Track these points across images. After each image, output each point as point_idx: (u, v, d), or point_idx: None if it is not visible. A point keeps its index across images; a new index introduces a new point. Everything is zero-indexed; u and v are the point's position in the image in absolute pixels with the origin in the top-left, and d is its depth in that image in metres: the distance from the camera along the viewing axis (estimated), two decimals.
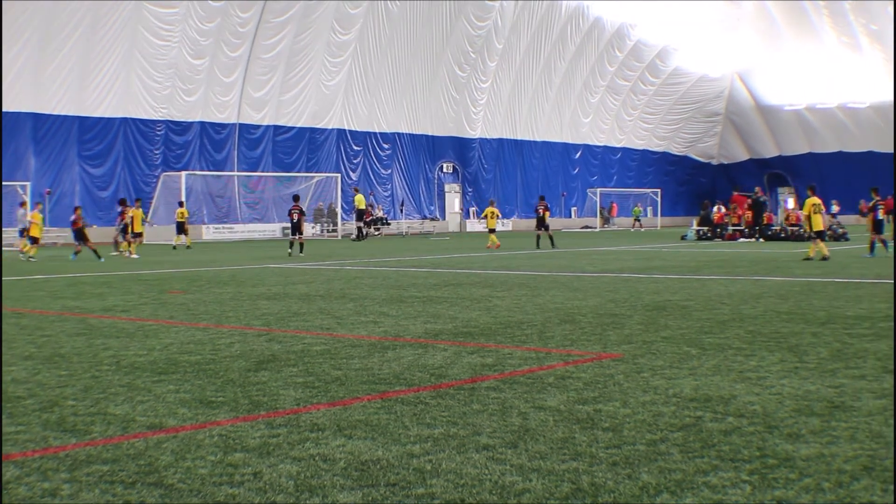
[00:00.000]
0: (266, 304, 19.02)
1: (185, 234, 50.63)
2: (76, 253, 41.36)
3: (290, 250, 41.64)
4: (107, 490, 6.32)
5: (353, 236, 62.23)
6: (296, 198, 45.92)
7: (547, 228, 47.00)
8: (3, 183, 58.11)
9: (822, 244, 33.40)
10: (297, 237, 42.39)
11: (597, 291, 21.03)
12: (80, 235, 41.79)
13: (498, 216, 50.96)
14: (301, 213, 43.24)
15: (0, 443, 7.41)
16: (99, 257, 38.81)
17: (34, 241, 40.89)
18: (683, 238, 56.66)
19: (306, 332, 14.43)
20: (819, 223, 34.10)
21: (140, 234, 45.88)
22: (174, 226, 52.27)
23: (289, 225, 44.97)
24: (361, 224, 63.07)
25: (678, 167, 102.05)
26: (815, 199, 34.69)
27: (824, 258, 32.37)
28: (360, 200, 64.30)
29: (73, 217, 43.40)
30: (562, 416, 8.42)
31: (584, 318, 15.75)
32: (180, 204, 53.91)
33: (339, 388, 9.86)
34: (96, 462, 7.05)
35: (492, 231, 48.71)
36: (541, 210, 47.48)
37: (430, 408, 8.79)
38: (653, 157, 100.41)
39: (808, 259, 32.57)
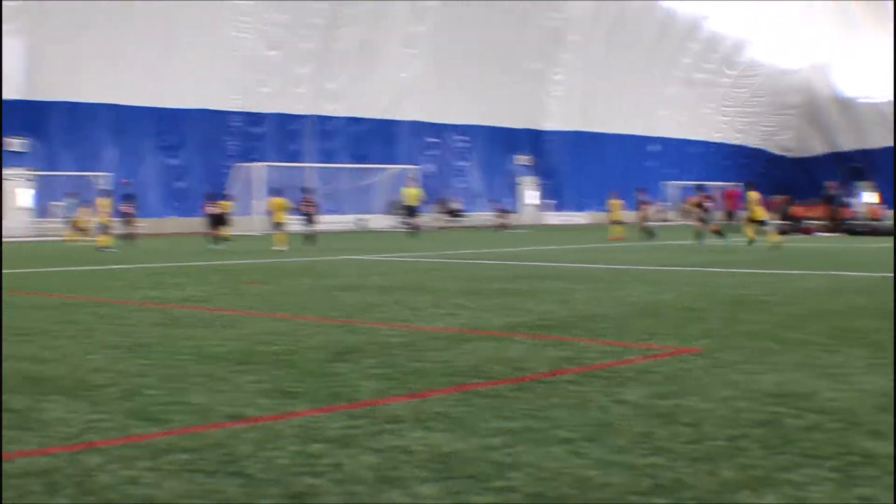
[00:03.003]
0: (343, 295, 19.07)
1: (226, 225, 50.96)
2: (217, 239, 42.02)
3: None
4: (188, 479, 6.36)
5: (408, 227, 56.02)
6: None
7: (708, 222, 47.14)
8: (83, 173, 58.87)
9: None
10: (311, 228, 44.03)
11: (675, 285, 20.91)
12: (219, 221, 42.74)
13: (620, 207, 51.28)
14: (313, 204, 44.52)
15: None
16: (217, 243, 39.65)
17: (104, 229, 41.20)
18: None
19: (384, 324, 14.44)
20: None
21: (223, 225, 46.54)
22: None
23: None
24: (411, 220, 56.03)
25: (754, 160, 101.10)
26: None
27: None
28: (410, 194, 57.88)
29: (207, 203, 44.40)
30: (641, 410, 8.37)
31: (662, 312, 15.66)
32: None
33: (418, 380, 9.86)
34: (177, 451, 7.09)
35: (617, 223, 49.21)
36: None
37: (509, 401, 8.77)
38: (729, 150, 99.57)
39: None
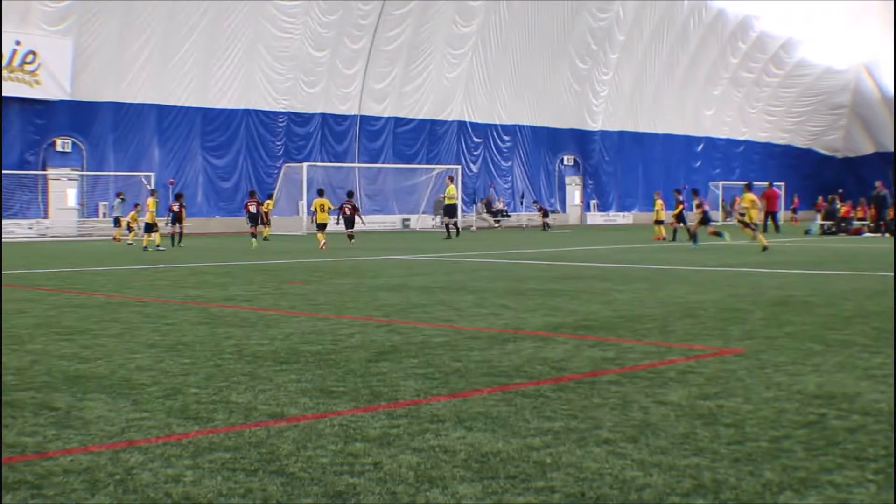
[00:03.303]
0: (386, 295, 19.09)
1: (267, 224, 51.18)
2: (254, 237, 42.47)
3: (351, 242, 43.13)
4: (229, 477, 6.38)
5: (448, 228, 52.93)
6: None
7: (684, 222, 46.94)
8: (129, 173, 59.21)
9: None
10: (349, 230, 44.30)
11: (718, 286, 20.82)
12: (256, 219, 43.10)
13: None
14: (354, 208, 44.40)
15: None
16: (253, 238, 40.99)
17: (150, 228, 41.46)
18: (807, 233, 55.93)
19: (426, 324, 14.45)
20: None
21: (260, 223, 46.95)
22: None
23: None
24: (451, 221, 52.54)
25: (802, 160, 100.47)
26: None
27: None
28: (450, 194, 53.65)
29: (249, 201, 44.75)
30: (683, 411, 8.34)
31: (705, 313, 15.60)
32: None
33: (459, 379, 9.86)
34: (219, 449, 7.12)
35: (659, 223, 49.22)
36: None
37: (551, 401, 8.76)
38: (776, 150, 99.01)
39: None
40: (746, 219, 37.30)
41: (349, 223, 43.93)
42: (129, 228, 46.98)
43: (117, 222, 52.64)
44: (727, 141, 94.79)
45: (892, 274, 23.26)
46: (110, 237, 52.66)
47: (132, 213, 47.34)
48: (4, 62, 56.08)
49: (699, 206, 42.91)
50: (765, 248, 34.13)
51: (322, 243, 39.71)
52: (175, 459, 6.84)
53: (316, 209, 42.61)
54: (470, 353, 11.51)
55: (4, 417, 8.26)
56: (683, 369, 10.38)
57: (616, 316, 15.36)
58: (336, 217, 45.56)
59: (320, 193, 43.97)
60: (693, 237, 40.05)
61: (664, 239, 46.44)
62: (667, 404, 8.60)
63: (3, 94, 56.36)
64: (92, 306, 17.46)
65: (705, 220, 41.65)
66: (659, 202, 50.71)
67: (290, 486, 6.18)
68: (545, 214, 68.62)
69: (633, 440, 7.33)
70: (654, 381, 9.65)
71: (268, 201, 52.11)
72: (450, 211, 52.84)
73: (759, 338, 12.73)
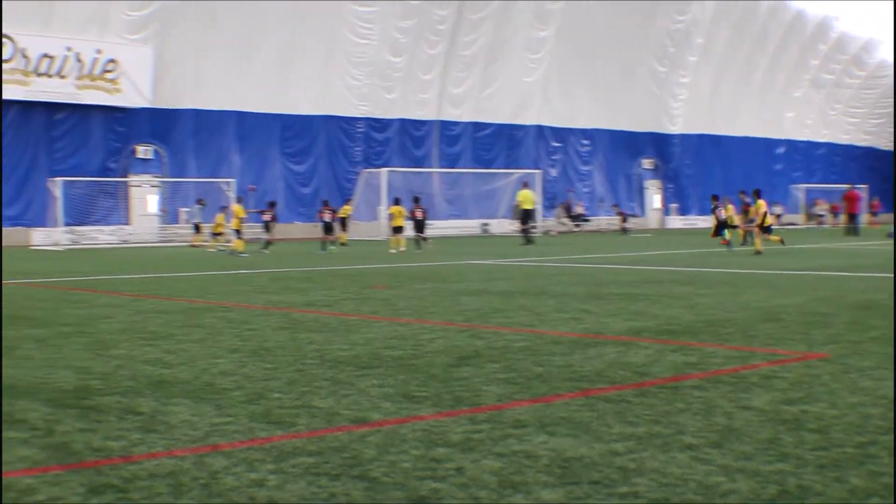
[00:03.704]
0: (467, 300, 19.09)
1: (345, 230, 51.45)
2: (324, 244, 42.83)
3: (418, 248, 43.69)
4: (312, 482, 6.40)
5: (524, 232, 51.32)
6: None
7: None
8: (210, 180, 59.73)
9: None
10: (421, 235, 45.08)
11: (800, 289, 20.63)
12: (330, 229, 43.57)
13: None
14: (424, 212, 45.48)
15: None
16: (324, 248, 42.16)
17: (237, 234, 41.93)
18: (889, 235, 55.24)
19: (507, 329, 14.44)
20: None
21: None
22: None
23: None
24: (526, 226, 51.07)
25: (884, 163, 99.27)
26: None
27: None
28: (525, 197, 53.05)
29: (323, 209, 45.14)
30: (767, 416, 8.27)
31: (788, 317, 15.45)
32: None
33: (541, 384, 9.84)
34: (302, 454, 7.15)
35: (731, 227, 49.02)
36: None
37: (633, 406, 8.72)
38: (858, 152, 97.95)
39: None
40: (760, 223, 38.28)
41: (419, 227, 44.52)
42: (215, 234, 47.10)
43: (197, 228, 53.05)
44: (808, 143, 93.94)
45: None
46: (189, 243, 53.06)
47: (219, 216, 47.53)
48: (85, 70, 56.88)
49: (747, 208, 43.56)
50: (758, 252, 35.48)
51: (398, 248, 40.43)
52: (258, 464, 6.88)
53: (393, 215, 43.54)
54: (552, 358, 11.48)
55: (90, 422, 8.35)
56: (767, 374, 10.29)
57: (698, 320, 15.26)
58: (413, 222, 45.91)
59: (396, 202, 44.96)
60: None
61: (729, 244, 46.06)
62: (750, 409, 8.53)
63: (85, 102, 57.27)
64: (175, 312, 17.60)
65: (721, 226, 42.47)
66: (729, 206, 50.30)
67: (373, 491, 6.20)
68: (624, 219, 68.36)
69: (716, 445, 7.28)
70: (738, 386, 9.58)
71: (345, 206, 52.27)
72: (526, 216, 52.08)
73: (843, 342, 12.60)
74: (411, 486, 6.29)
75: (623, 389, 9.52)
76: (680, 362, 11.16)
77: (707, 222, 78.99)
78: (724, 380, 9.98)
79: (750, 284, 22.19)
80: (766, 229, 37.91)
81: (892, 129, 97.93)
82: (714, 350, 12.13)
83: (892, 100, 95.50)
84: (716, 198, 44.86)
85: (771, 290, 20.48)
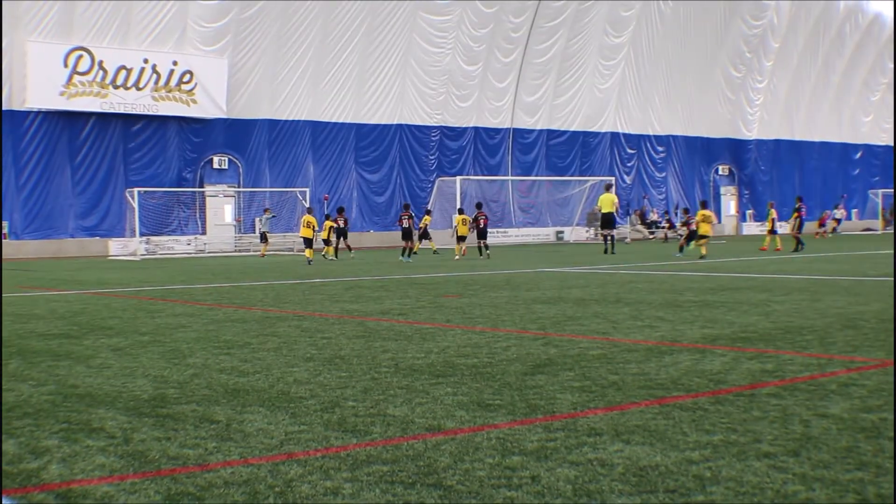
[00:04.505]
0: (541, 308, 19.04)
1: (429, 239, 51.64)
2: (405, 251, 43.27)
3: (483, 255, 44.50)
4: (387, 490, 6.40)
5: (605, 239, 47.90)
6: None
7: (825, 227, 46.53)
8: (285, 189, 60.13)
9: None
10: (482, 243, 45.66)
11: (880, 296, 20.38)
12: (409, 234, 44.01)
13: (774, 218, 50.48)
14: (486, 219, 46.44)
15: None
16: (406, 255, 43.17)
17: (326, 242, 43.88)
18: None
19: (582, 336, 14.38)
20: None
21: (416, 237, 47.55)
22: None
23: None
24: (607, 232, 47.05)
25: None
26: None
27: None
28: (605, 202, 48.13)
29: (403, 214, 45.71)
30: (845, 424, 8.17)
31: (867, 324, 15.27)
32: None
33: (616, 392, 9.78)
34: (376, 462, 7.14)
35: (772, 232, 48.78)
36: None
37: (709, 414, 8.64)
38: None
39: None
40: (701, 232, 41.94)
41: (482, 235, 44.80)
42: (326, 241, 46.96)
43: (264, 238, 53.23)
44: (885, 148, 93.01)
45: None
46: (258, 253, 53.36)
47: (328, 223, 47.64)
48: (162, 82, 57.49)
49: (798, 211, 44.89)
50: (702, 257, 38.94)
51: (460, 253, 43.51)
52: (334, 472, 6.88)
53: (458, 224, 44.10)
54: (626, 366, 11.42)
55: (167, 430, 8.40)
56: (845, 381, 10.17)
57: (775, 327, 15.12)
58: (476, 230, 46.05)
59: (460, 212, 45.80)
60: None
61: (778, 250, 45.79)
62: (828, 417, 8.43)
63: (162, 113, 57.90)
64: (250, 321, 17.67)
65: (691, 235, 45.28)
66: (773, 212, 50.05)
67: (448, 499, 6.18)
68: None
69: (794, 454, 7.20)
70: (815, 394, 9.48)
71: (426, 217, 52.41)
72: (606, 221, 47.81)
73: None
74: (486, 495, 6.27)
75: (699, 397, 9.44)
76: (756, 370, 11.05)
77: (783, 228, 78.70)
78: (802, 387, 9.88)
79: (828, 291, 21.97)
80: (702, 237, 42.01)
81: None
82: (791, 357, 12.01)
83: None
84: (800, 199, 45.42)
85: (849, 297, 20.27)
